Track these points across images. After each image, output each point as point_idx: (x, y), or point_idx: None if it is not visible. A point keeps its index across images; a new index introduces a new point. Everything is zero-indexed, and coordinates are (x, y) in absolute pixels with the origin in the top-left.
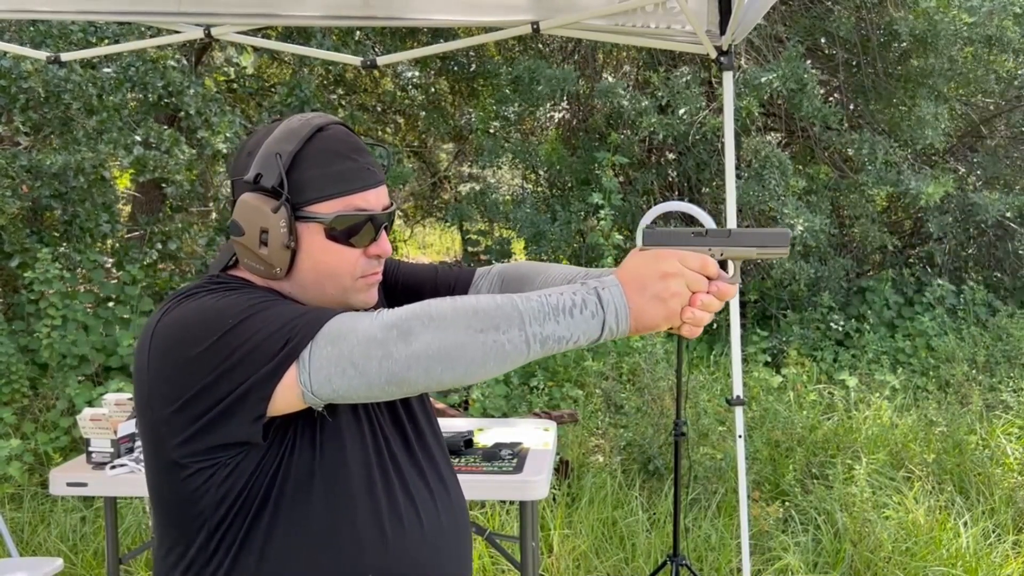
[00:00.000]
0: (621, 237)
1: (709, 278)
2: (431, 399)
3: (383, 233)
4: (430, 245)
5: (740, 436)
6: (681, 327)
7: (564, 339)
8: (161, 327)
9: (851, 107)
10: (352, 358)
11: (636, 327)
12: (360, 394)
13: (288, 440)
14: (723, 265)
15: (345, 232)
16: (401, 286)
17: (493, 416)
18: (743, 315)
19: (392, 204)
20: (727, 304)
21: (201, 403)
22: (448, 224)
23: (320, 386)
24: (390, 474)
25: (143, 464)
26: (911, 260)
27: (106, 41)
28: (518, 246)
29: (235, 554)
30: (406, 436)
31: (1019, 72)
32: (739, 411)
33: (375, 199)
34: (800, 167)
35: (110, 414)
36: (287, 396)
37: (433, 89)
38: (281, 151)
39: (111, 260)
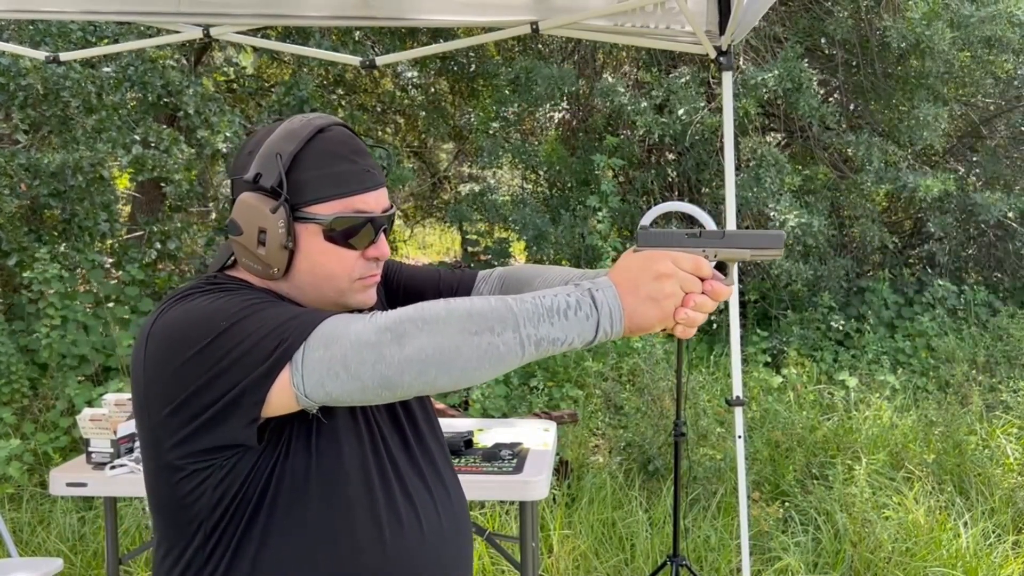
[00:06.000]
0: (620, 239)
1: (703, 279)
2: (431, 399)
3: (382, 235)
4: (430, 245)
5: (740, 436)
6: (675, 328)
7: (559, 341)
8: (156, 329)
9: (851, 107)
10: (345, 361)
11: (630, 328)
12: (354, 397)
13: (283, 442)
14: (721, 268)
15: (344, 233)
16: (403, 289)
17: (493, 416)
18: (743, 315)
19: (392, 206)
20: (726, 305)
21: (195, 406)
22: (448, 225)
23: (313, 389)
24: (388, 475)
25: (143, 465)
26: (911, 260)
27: (105, 41)
28: (518, 247)
29: (232, 555)
30: (405, 437)
31: (1019, 72)
32: (739, 411)
33: (375, 201)
34: (799, 167)
35: (110, 414)
36: (281, 399)
37: (433, 89)
38: (281, 151)
39: (110, 260)
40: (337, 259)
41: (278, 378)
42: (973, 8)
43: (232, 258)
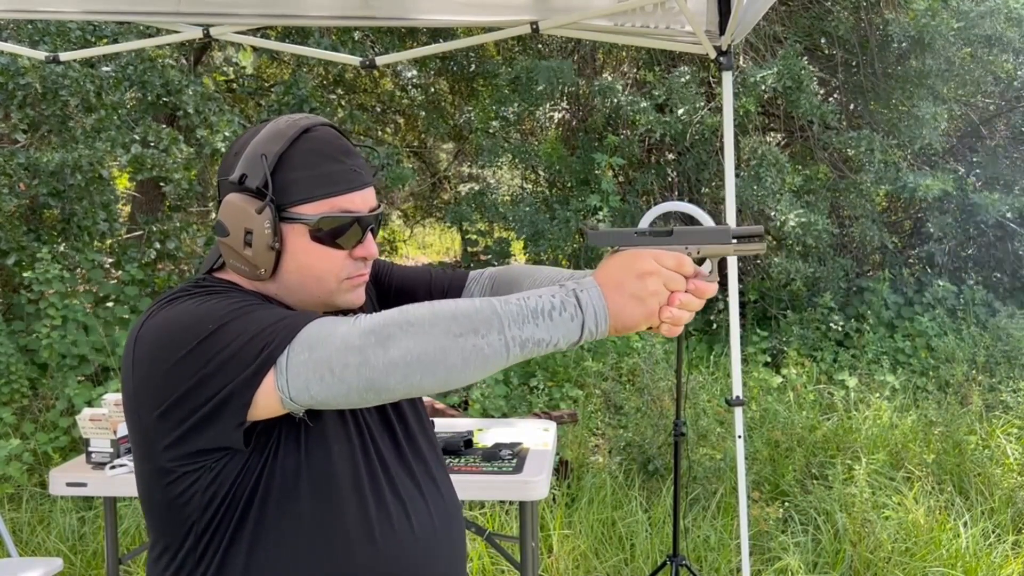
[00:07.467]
0: None
1: (686, 276)
2: (430, 399)
3: (369, 235)
4: (430, 245)
5: (740, 436)
6: (660, 326)
7: (544, 342)
8: (144, 332)
9: (851, 107)
10: (330, 364)
11: (615, 327)
12: (339, 401)
13: (272, 443)
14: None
15: (330, 233)
16: (394, 289)
17: (493, 416)
18: (743, 315)
19: (379, 206)
20: (726, 304)
21: (183, 409)
22: (448, 224)
23: (298, 392)
24: (378, 475)
25: (134, 467)
26: (911, 260)
27: (105, 40)
28: (518, 246)
29: (223, 556)
30: (395, 437)
31: (1019, 72)
32: (738, 411)
33: (361, 201)
34: (799, 167)
35: (110, 414)
36: (267, 402)
37: (433, 89)
38: (267, 152)
39: (110, 260)
40: (324, 259)
41: (263, 382)
42: (972, 4)
43: (221, 260)
